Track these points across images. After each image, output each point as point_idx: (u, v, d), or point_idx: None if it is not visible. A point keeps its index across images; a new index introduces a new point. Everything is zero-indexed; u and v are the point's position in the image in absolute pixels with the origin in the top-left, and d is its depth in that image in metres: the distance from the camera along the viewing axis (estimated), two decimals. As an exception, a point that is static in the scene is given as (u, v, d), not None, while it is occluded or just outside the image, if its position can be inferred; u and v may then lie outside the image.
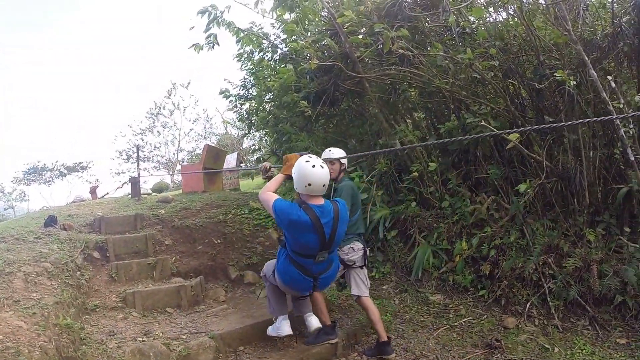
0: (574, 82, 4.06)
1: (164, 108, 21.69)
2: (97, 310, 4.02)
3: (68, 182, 19.57)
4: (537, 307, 4.23)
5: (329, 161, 3.77)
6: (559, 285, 4.15)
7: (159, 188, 9.12)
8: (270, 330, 3.57)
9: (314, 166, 2.97)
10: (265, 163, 3.86)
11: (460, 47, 4.46)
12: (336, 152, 3.96)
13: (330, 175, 3.71)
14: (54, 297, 3.51)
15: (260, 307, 4.27)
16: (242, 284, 4.98)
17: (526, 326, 4.09)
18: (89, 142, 42.95)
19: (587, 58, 4.19)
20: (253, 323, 3.90)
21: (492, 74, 4.53)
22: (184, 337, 3.69)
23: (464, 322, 4.22)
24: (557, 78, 4.05)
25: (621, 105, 4.24)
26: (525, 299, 4.27)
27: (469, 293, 4.58)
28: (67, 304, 3.61)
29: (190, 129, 23.98)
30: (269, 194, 3.13)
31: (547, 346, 3.79)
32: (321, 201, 3.07)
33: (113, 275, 4.59)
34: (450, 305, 4.49)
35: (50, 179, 18.99)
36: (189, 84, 23.86)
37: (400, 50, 4.23)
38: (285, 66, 5.24)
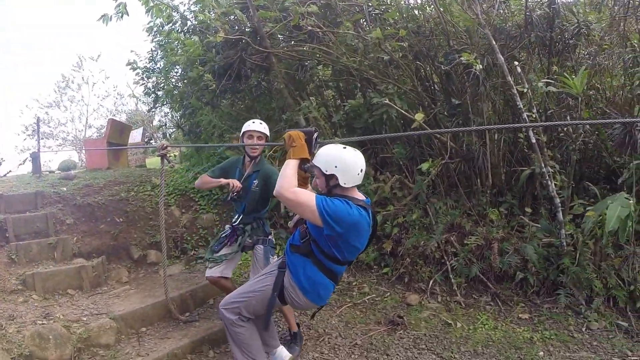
0: (480, 66, 4.16)
1: (72, 82, 20.33)
2: (-4, 294, 3.80)
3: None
4: (440, 284, 4.31)
5: (258, 136, 3.32)
6: (461, 263, 4.26)
7: (66, 167, 8.70)
8: None
9: (355, 150, 2.44)
10: (162, 141, 3.69)
11: (372, 27, 4.47)
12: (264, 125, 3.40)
13: (256, 152, 3.36)
14: (-51, 282, 3.26)
15: (162, 286, 4.17)
16: (145, 263, 4.86)
17: (429, 303, 4.16)
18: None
19: (494, 42, 4.31)
20: (154, 302, 3.83)
21: (402, 55, 4.57)
22: (85, 319, 3.57)
23: (367, 299, 4.24)
24: (462, 61, 4.15)
25: (525, 90, 4.38)
26: (428, 276, 4.35)
27: (373, 271, 4.62)
28: (-37, 288, 3.36)
29: (100, 105, 22.98)
30: (301, 192, 2.32)
31: (449, 322, 3.85)
32: (360, 194, 2.51)
33: (12, 257, 4.38)
34: (354, 283, 4.51)
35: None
36: (99, 56, 23.12)
37: (309, 27, 4.19)
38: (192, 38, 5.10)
